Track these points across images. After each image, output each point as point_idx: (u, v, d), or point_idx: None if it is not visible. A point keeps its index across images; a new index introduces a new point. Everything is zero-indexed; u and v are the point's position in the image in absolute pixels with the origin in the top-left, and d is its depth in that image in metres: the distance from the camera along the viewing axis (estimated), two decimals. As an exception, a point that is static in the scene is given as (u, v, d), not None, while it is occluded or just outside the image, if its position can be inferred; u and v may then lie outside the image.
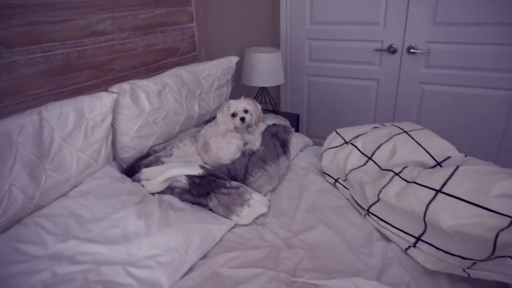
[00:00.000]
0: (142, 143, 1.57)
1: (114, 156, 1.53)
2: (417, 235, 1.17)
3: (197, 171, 1.36)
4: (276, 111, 2.61)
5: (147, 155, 1.57)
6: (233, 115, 1.63)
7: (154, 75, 1.68)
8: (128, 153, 1.55)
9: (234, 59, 2.08)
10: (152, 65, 1.81)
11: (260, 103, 2.60)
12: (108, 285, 0.96)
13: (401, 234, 1.20)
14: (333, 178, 1.59)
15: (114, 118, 1.46)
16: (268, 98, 2.64)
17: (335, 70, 2.82)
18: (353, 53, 2.71)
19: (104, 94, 1.36)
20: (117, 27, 1.59)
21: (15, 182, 1.10)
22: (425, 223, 1.16)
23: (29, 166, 1.14)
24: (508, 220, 1.00)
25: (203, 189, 1.35)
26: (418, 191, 1.20)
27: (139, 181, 1.42)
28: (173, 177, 1.37)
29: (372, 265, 1.11)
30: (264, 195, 1.45)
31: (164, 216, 1.21)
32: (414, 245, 1.15)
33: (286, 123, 1.95)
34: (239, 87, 2.56)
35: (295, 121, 2.64)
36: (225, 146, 1.54)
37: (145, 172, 1.42)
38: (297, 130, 2.63)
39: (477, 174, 1.13)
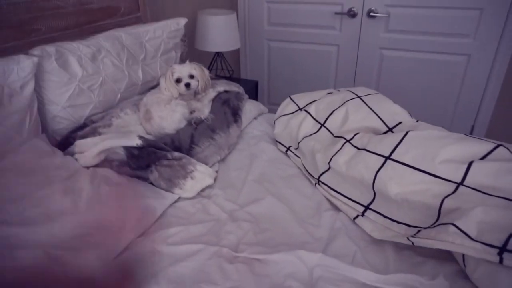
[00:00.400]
0: (77, 113, 1.42)
1: (45, 127, 1.38)
2: (365, 204, 1.13)
3: (135, 141, 1.25)
4: (232, 78, 2.49)
5: (83, 126, 1.43)
6: (177, 80, 1.51)
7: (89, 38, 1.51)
8: (61, 124, 1.40)
9: (182, 21, 1.92)
10: (86, 26, 1.62)
11: (216, 69, 2.47)
12: (24, 271, 0.85)
13: (350, 203, 1.16)
14: (285, 147, 1.52)
15: (40, 86, 1.30)
16: (224, 64, 2.50)
17: (295, 35, 2.71)
18: (313, 17, 2.59)
19: (22, 57, 1.20)
20: (40, -20, 1.39)
21: None
22: (374, 192, 1.12)
23: None
24: (453, 186, 0.97)
25: (143, 162, 1.24)
26: (368, 158, 1.16)
27: (72, 154, 1.29)
28: (109, 149, 1.25)
29: (319, 237, 1.07)
30: (212, 166, 1.36)
31: (96, 192, 1.10)
32: (363, 214, 1.12)
33: (240, 89, 1.84)
34: (193, 52, 2.40)
35: (254, 88, 2.54)
36: (168, 115, 1.42)
37: (79, 145, 1.28)
38: (255, 98, 2.54)
39: (426, 140, 1.09)
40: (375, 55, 2.54)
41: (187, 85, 1.50)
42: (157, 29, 1.77)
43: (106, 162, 1.28)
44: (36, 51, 1.24)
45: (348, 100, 1.44)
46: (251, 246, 1.02)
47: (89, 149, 1.24)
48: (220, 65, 2.50)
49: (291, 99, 1.66)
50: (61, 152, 1.28)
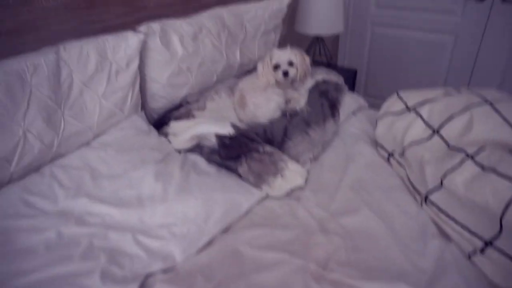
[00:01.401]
0: (174, 93, 1.42)
1: (144, 105, 1.40)
2: (487, 238, 0.93)
3: (227, 129, 1.20)
4: (330, 65, 2.32)
5: (178, 106, 1.43)
6: (276, 67, 1.41)
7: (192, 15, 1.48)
8: (159, 103, 1.41)
9: (286, 0, 1.80)
10: (192, 5, 1.59)
11: (314, 55, 2.32)
12: (114, 254, 0.86)
13: (466, 234, 0.97)
14: (387, 151, 1.35)
15: (143, 63, 1.31)
16: (322, 50, 2.34)
17: (405, 19, 2.41)
18: (430, -1, 2.27)
19: (129, 34, 1.20)
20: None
21: (30, 128, 1.01)
22: (500, 225, 0.91)
23: (46, 112, 1.04)
24: None
25: (233, 152, 1.19)
26: (497, 183, 0.95)
27: (166, 135, 1.30)
28: (200, 134, 1.22)
29: (423, 268, 0.91)
30: (303, 164, 1.26)
31: (185, 180, 1.08)
32: (482, 251, 0.93)
33: (339, 80, 1.68)
34: (291, 35, 2.28)
35: (351, 78, 2.34)
36: (263, 103, 1.35)
37: (173, 126, 1.28)
38: (352, 89, 2.35)
39: None
40: (504, 50, 2.14)
41: (285, 74, 1.40)
42: (259, 9, 1.68)
43: (197, 147, 1.25)
44: (143, 28, 1.24)
45: (474, 105, 1.20)
46: (342, 266, 0.91)
47: (182, 131, 1.23)
48: (319, 50, 2.34)
49: (398, 95, 1.46)
50: (156, 132, 1.30)
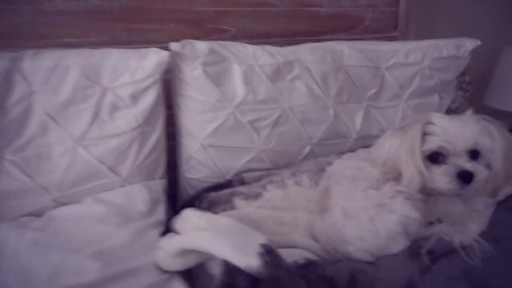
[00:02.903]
0: (223, 161, 0.84)
1: (179, 174, 0.88)
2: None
3: (248, 260, 0.51)
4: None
5: (226, 184, 0.83)
6: (434, 157, 0.64)
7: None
8: (196, 172, 0.85)
9: (470, 44, 1.04)
10: (301, 38, 1.04)
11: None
12: None
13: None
14: None
15: (177, 104, 0.81)
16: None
17: None
18: None
19: (151, 51, 0.73)
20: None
21: None
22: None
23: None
24: None
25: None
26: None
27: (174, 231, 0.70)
28: (200, 252, 0.57)
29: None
30: None
31: None
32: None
33: None
34: (477, 109, 1.43)
35: None
36: (367, 213, 0.60)
37: (181, 220, 0.68)
38: None
39: None
40: None
41: (467, 178, 0.61)
42: (413, 50, 0.99)
43: (200, 269, 0.60)
44: (176, 45, 0.75)
45: None
46: None
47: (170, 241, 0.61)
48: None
49: None
50: (163, 224, 0.72)
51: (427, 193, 0.67)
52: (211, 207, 0.76)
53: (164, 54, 0.72)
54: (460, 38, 1.06)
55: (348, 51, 0.93)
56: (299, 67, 0.86)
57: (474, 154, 0.62)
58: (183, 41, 0.75)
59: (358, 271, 0.55)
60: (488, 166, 0.62)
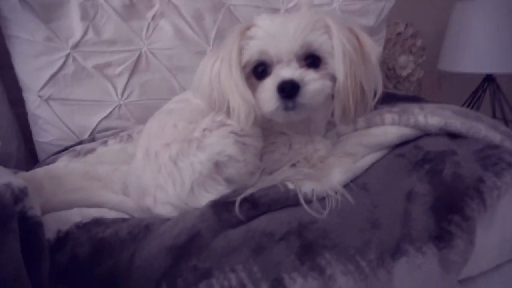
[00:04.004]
0: (74, 118, 0.70)
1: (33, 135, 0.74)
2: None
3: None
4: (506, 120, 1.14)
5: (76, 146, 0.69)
6: (260, 70, 0.47)
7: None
8: (47, 135, 0.71)
9: None
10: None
11: (473, 104, 1.20)
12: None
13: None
14: None
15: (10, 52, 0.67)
16: (496, 100, 1.19)
17: None
18: None
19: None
20: None
21: None
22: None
23: None
24: None
25: None
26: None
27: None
28: None
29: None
30: None
31: None
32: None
33: (505, 139, 0.57)
34: (431, 75, 1.27)
35: None
36: (167, 152, 0.45)
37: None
38: None
39: None
40: None
41: (288, 89, 0.44)
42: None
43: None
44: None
45: None
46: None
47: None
48: (492, 102, 1.20)
49: None
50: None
51: (280, 132, 0.51)
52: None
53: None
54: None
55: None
56: (160, 3, 0.71)
57: (314, 61, 0.45)
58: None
59: (106, 239, 0.39)
60: (334, 77, 0.45)
